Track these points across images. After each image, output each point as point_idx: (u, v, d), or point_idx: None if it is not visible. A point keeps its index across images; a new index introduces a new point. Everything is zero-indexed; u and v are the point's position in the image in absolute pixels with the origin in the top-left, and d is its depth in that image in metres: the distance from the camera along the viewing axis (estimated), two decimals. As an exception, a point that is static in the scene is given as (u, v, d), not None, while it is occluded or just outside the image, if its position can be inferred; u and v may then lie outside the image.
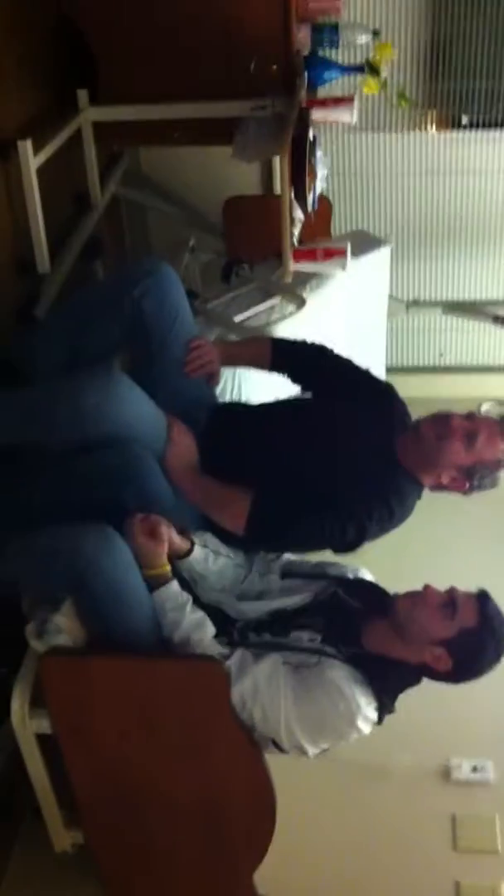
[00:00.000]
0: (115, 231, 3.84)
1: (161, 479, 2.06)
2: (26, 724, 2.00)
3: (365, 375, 2.39)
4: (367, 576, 2.17)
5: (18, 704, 1.98)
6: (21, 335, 2.51)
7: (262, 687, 1.84)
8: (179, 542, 2.00)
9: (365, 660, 1.88)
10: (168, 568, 1.95)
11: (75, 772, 2.04)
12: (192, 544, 2.04)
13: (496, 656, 1.87)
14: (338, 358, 2.42)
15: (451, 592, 1.88)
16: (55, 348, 2.33)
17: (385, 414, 2.27)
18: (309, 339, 2.48)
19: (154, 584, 1.92)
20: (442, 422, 2.12)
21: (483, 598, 1.88)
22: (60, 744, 1.99)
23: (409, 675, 1.93)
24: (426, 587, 1.91)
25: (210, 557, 2.07)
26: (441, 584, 1.93)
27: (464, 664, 1.87)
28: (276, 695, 1.84)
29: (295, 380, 2.44)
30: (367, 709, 1.84)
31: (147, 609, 1.91)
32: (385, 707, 1.88)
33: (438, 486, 2.17)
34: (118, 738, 2.00)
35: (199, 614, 1.94)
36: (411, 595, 1.92)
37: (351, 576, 2.13)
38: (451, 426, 2.09)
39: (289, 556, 2.18)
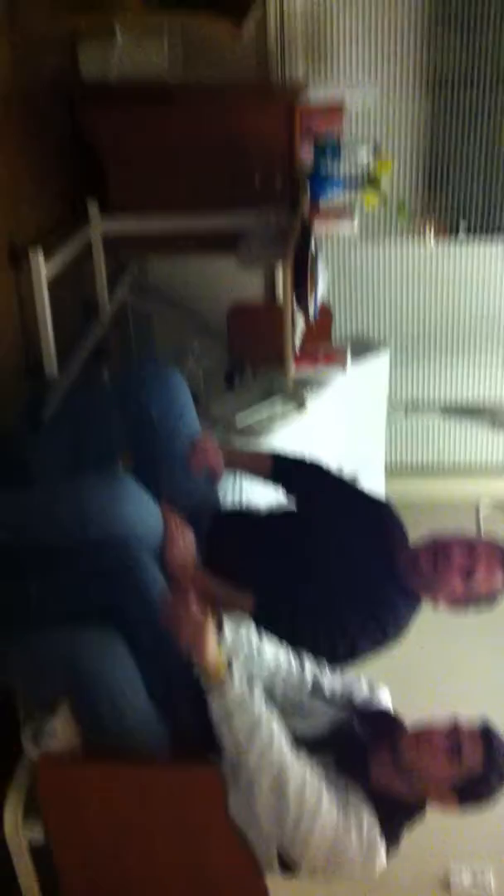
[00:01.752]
0: (122, 336, 3.92)
1: (158, 579, 2.06)
2: (19, 833, 1.96)
3: (362, 493, 2.40)
4: (386, 697, 2.12)
5: (11, 812, 1.94)
6: (27, 435, 2.54)
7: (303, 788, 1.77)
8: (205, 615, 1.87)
9: (373, 799, 1.84)
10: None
11: (67, 879, 1.99)
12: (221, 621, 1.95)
13: (501, 789, 1.84)
14: (335, 477, 2.43)
15: (455, 733, 1.83)
16: (60, 448, 2.36)
17: (382, 530, 2.28)
18: (309, 453, 2.50)
19: (212, 683, 1.80)
20: (441, 553, 2.09)
21: (487, 735, 1.83)
22: (53, 850, 1.95)
23: (416, 809, 1.89)
24: (431, 732, 1.85)
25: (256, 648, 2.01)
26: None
27: (469, 801, 1.83)
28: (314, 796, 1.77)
29: (290, 493, 2.45)
30: (381, 853, 1.80)
31: (145, 714, 1.89)
32: (393, 845, 1.83)
33: (435, 605, 2.17)
34: (113, 846, 1.95)
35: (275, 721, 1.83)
36: (416, 736, 1.87)
37: (372, 698, 2.09)
38: (449, 561, 2.07)
39: (316, 672, 2.13)
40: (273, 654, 2.06)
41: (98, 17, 3.15)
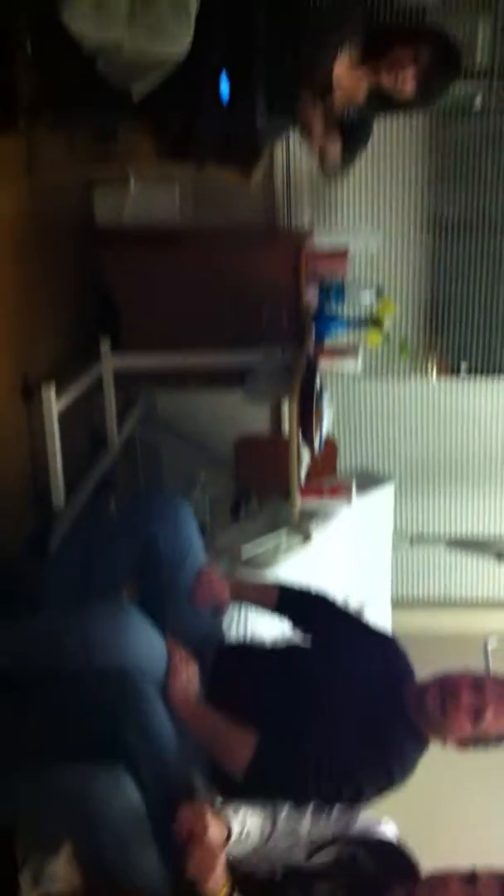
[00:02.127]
0: (130, 468, 3.98)
1: (162, 712, 2.03)
2: None
3: (367, 628, 2.39)
4: (391, 830, 2.04)
5: None
6: (33, 564, 2.55)
7: None
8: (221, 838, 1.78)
9: None
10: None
11: None
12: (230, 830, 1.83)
13: None
14: (340, 610, 2.43)
15: (473, 882, 1.72)
16: (66, 578, 2.36)
17: (388, 667, 2.25)
18: (315, 585, 2.50)
19: None
20: (449, 692, 2.04)
21: None
22: None
23: None
24: (448, 881, 1.75)
25: (245, 831, 1.89)
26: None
27: None
28: None
29: (296, 626, 2.44)
30: None
31: (152, 856, 1.83)
32: None
33: (443, 744, 2.13)
34: None
35: None
36: (431, 886, 1.78)
37: (375, 831, 2.00)
38: (458, 701, 2.02)
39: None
40: (258, 827, 1.93)
41: (113, 166, 3.34)
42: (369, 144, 3.06)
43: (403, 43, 2.46)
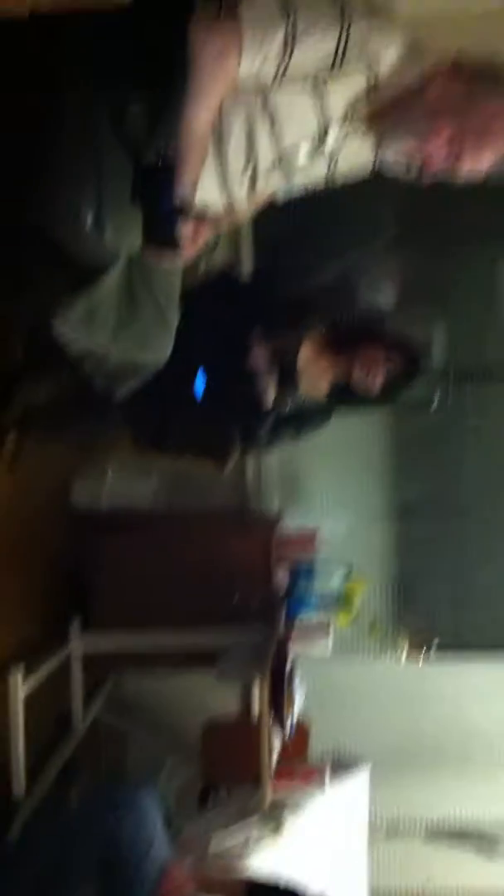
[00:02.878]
0: (93, 752, 3.86)
1: None
2: None
3: None
4: None
5: None
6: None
7: None
8: None
9: None
10: None
11: None
12: None
13: None
14: None
15: None
16: (24, 872, 2.27)
17: None
18: (287, 878, 2.40)
19: None
20: None
21: None
22: None
23: None
24: None
25: None
26: None
27: None
28: None
29: None
30: None
31: None
32: None
33: None
34: None
35: None
36: None
37: None
38: None
39: None
40: None
41: (92, 457, 3.52)
42: (336, 433, 3.33)
43: (376, 343, 2.75)
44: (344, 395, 2.82)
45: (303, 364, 2.75)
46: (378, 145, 1.99)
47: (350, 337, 2.78)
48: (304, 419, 2.91)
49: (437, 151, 1.90)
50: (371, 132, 1.97)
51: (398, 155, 1.97)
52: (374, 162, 2.12)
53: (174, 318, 2.33)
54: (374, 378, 2.70)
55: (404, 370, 2.76)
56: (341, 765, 3.57)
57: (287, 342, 2.71)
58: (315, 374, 2.79)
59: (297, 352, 2.73)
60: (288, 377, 2.73)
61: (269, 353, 2.69)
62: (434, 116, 1.88)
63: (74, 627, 3.33)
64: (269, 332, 2.69)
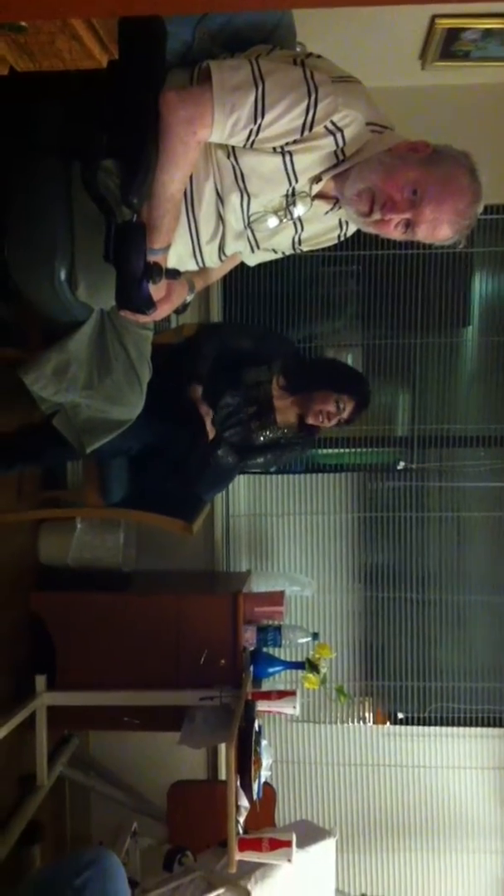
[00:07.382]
0: (57, 811, 3.79)
1: None
2: None
3: None
4: None
5: None
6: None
7: None
8: None
9: None
10: None
11: None
12: None
13: None
14: None
15: None
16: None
17: None
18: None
19: None
20: None
21: None
22: None
23: None
24: None
25: None
26: None
27: None
28: None
29: None
30: None
31: None
32: None
33: None
34: None
35: None
36: None
37: None
38: None
39: None
40: None
41: (60, 512, 3.52)
42: (305, 496, 3.50)
43: (330, 390, 3.10)
44: (312, 430, 3.21)
45: (275, 399, 3.12)
46: (341, 194, 1.98)
47: (302, 383, 3.13)
48: (283, 447, 3.23)
49: (398, 193, 1.88)
50: (337, 187, 1.99)
51: (361, 196, 1.92)
52: (341, 230, 2.19)
53: (146, 375, 2.37)
54: (325, 419, 3.11)
55: (356, 413, 3.15)
56: (308, 833, 3.51)
57: (257, 378, 3.08)
58: (283, 408, 3.15)
59: (268, 389, 3.09)
60: (264, 409, 3.10)
61: (243, 389, 3.04)
62: (401, 158, 1.91)
63: (40, 684, 3.29)
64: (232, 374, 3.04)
